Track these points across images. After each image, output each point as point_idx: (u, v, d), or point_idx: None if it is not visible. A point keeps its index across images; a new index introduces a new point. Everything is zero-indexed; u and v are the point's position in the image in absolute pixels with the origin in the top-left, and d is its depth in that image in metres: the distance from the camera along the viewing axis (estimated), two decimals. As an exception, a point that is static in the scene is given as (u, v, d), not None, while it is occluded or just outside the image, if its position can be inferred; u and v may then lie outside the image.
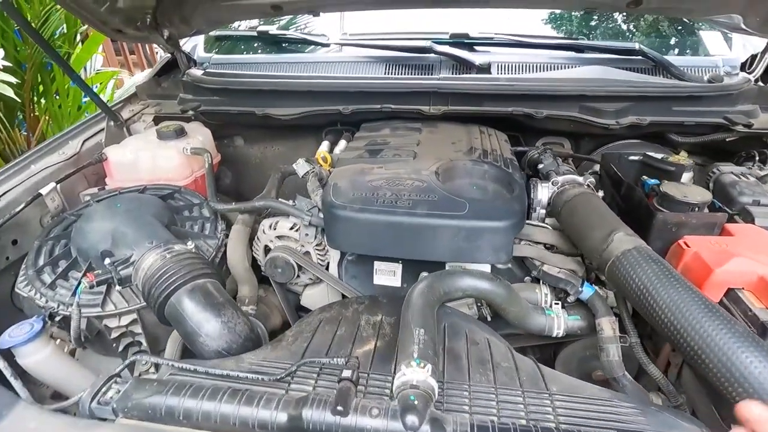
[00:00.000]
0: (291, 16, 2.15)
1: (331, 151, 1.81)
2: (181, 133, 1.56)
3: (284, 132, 1.94)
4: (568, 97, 1.49)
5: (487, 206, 1.09)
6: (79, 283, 1.02)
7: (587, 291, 1.05)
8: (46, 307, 1.05)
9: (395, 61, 1.74)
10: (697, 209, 1.06)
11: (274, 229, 1.29)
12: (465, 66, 1.66)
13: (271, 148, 2.04)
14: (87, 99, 3.16)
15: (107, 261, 1.04)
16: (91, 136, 1.60)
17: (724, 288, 0.91)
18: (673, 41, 1.87)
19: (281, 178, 1.49)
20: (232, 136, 2.03)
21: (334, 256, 1.29)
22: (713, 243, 0.97)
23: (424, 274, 1.23)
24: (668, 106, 1.47)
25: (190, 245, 1.09)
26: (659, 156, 1.30)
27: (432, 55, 1.70)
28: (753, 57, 1.58)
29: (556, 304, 1.09)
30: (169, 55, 1.93)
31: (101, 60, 3.93)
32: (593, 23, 2.04)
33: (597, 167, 1.62)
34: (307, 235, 1.24)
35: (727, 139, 1.47)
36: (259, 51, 2.02)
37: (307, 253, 1.30)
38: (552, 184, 1.27)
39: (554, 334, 1.06)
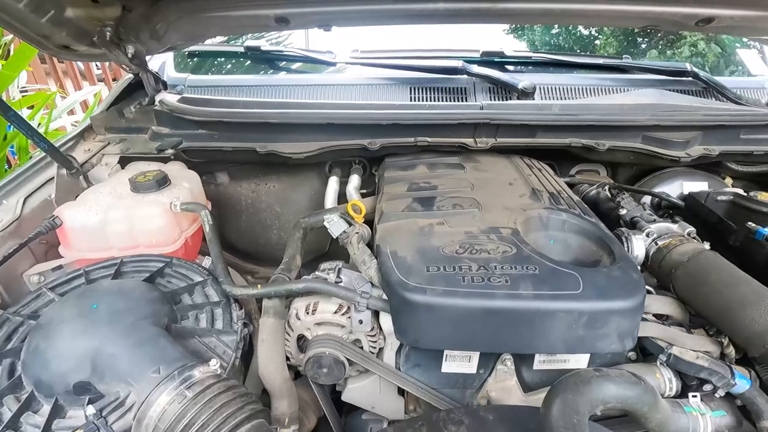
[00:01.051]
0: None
1: (341, 190, 1.52)
2: (163, 182, 1.19)
3: (281, 166, 1.62)
4: (631, 127, 1.30)
5: (604, 279, 0.86)
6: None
7: (742, 383, 0.84)
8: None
9: (420, 84, 1.48)
10: (840, 268, 0.89)
11: (313, 313, 0.97)
12: (505, 90, 1.43)
13: (263, 186, 1.70)
14: (11, 129, 2.54)
15: (89, 410, 0.68)
16: (35, 191, 1.19)
17: None
18: (711, 61, 1.77)
19: (304, 236, 1.17)
20: (214, 173, 1.67)
21: (390, 340, 1.00)
22: None
23: (507, 356, 0.98)
24: (736, 135, 1.33)
25: (214, 365, 0.76)
26: (751, 194, 1.14)
27: (464, 76, 1.45)
28: (799, 78, 1.50)
29: (694, 396, 0.88)
30: (131, 75, 1.54)
31: (25, 75, 3.30)
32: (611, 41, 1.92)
33: (647, 199, 1.46)
34: (361, 322, 0.94)
35: (793, 169, 1.36)
36: (250, 70, 1.67)
37: (357, 340, 1.00)
38: (647, 235, 1.07)
39: (698, 437, 0.85)
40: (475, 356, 0.97)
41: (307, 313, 0.97)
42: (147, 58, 1.46)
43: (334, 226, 1.09)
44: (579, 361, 0.96)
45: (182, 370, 0.71)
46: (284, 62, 1.64)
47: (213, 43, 1.75)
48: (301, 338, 1.03)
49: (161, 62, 1.65)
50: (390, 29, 1.62)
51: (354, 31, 1.84)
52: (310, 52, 1.58)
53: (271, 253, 1.75)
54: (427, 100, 1.44)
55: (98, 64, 5.56)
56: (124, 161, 1.39)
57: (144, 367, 0.72)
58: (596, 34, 2.31)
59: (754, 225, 1.03)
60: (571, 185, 1.47)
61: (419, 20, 1.36)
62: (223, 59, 1.74)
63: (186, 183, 1.27)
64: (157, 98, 1.45)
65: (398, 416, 1.09)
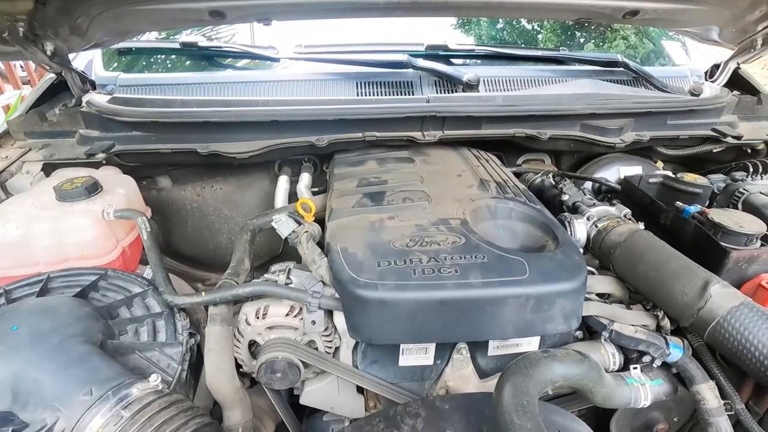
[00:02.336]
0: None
1: (291, 189, 1.49)
2: (94, 189, 1.11)
3: (227, 167, 1.55)
4: (570, 116, 1.35)
5: (549, 263, 0.88)
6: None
7: (676, 353, 0.89)
8: None
9: (367, 79, 1.47)
10: (755, 240, 0.97)
11: (264, 317, 0.94)
12: (450, 83, 1.44)
13: (210, 189, 1.62)
14: None
15: (12, 442, 0.62)
16: (-57, 204, 1.07)
17: (829, 335, 0.81)
18: (642, 54, 1.88)
19: (252, 239, 1.13)
20: (155, 177, 1.57)
21: (345, 339, 0.98)
22: (796, 281, 0.88)
23: (462, 345, 0.99)
24: (664, 121, 1.42)
25: (155, 380, 0.71)
26: (678, 176, 1.22)
27: (410, 70, 1.45)
28: (716, 66, 1.61)
29: (634, 368, 0.92)
30: (53, 75, 1.42)
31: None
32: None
33: (588, 185, 1.53)
34: (314, 322, 0.92)
35: (714, 150, 1.47)
36: (188, 67, 1.59)
37: (312, 341, 0.97)
38: (587, 219, 1.12)
39: (641, 406, 0.90)
40: (431, 348, 0.97)
41: (257, 318, 0.94)
42: (71, 56, 1.35)
43: (283, 226, 1.06)
44: (531, 344, 0.99)
45: (117, 389, 0.66)
46: (224, 59, 1.57)
47: (146, 40, 1.64)
48: (253, 344, 0.99)
49: (88, 60, 1.53)
50: (334, 23, 1.59)
51: (299, 25, 1.79)
52: (252, 48, 1.52)
53: (223, 259, 1.68)
54: (374, 95, 1.43)
55: (23, 65, 5.13)
56: (48, 168, 1.27)
57: (73, 389, 0.66)
58: (538, 29, 2.41)
59: (681, 204, 1.10)
60: (518, 174, 1.52)
61: (359, 14, 1.35)
62: (158, 56, 1.64)
63: (120, 189, 1.18)
64: (84, 99, 1.34)
65: (359, 415, 1.07)
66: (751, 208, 1.13)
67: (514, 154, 1.67)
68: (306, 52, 1.50)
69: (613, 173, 1.58)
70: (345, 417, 1.11)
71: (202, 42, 1.51)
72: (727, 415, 0.88)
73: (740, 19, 1.33)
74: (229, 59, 1.58)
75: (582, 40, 2.39)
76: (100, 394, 0.65)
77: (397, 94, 1.43)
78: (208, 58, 1.56)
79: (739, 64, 1.56)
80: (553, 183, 1.35)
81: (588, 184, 1.52)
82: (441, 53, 1.53)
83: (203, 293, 0.89)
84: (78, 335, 0.76)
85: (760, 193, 1.15)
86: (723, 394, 0.88)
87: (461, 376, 1.01)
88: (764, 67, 8.13)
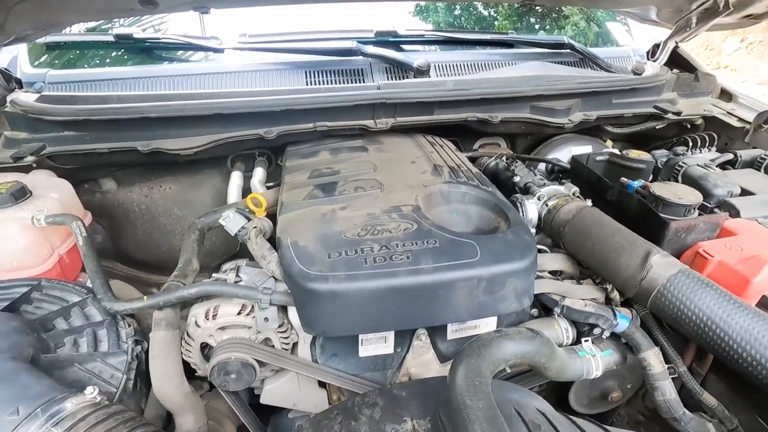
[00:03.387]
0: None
1: (245, 185, 1.44)
2: (21, 194, 1.03)
3: (175, 165, 1.48)
4: (519, 98, 1.37)
5: (500, 244, 0.89)
6: None
7: (623, 323, 0.93)
8: None
9: (316, 67, 1.43)
10: (693, 210, 1.01)
11: (214, 318, 0.90)
12: (401, 69, 1.43)
13: (158, 189, 1.55)
14: None
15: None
16: None
17: (759, 296, 0.86)
18: (591, 38, 1.92)
19: (200, 238, 1.09)
20: (97, 179, 1.49)
21: (302, 334, 0.96)
22: (729, 248, 0.92)
23: (421, 331, 1.00)
24: (609, 100, 1.46)
25: (91, 393, 0.67)
26: (623, 153, 1.26)
27: (360, 57, 1.43)
28: (656, 46, 1.67)
29: (586, 341, 0.95)
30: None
31: None
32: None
33: (542, 166, 1.57)
34: (267, 319, 0.89)
35: (657, 127, 1.53)
36: (125, 61, 1.50)
37: (267, 339, 0.95)
38: (538, 199, 1.14)
39: (593, 376, 0.92)
40: (390, 336, 0.97)
41: (207, 319, 0.90)
42: (-10, 52, 1.24)
43: (231, 222, 1.02)
44: (488, 325, 1.00)
45: (48, 405, 0.62)
46: (164, 51, 1.49)
47: (78, 33, 1.54)
48: (205, 347, 0.95)
49: (12, 56, 1.42)
50: (280, 10, 1.53)
51: (244, 14, 1.73)
52: (193, 39, 1.45)
53: (178, 261, 1.62)
54: (323, 84, 1.40)
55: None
56: (-29, 175, 1.17)
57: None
58: (495, 15, 2.44)
59: (626, 180, 1.14)
60: (473, 159, 1.53)
61: (300, -1, 1.31)
62: (92, 50, 1.54)
63: (54, 193, 1.11)
64: (9, 99, 1.24)
65: (323, 409, 1.06)
66: (689, 180, 1.18)
67: (470, 139, 1.67)
68: (251, 42, 1.44)
69: (565, 154, 1.62)
70: (310, 413, 1.09)
71: (138, 34, 1.42)
72: (673, 378, 0.93)
73: (677, -2, 1.38)
74: (170, 51, 1.50)
75: (537, 27, 2.44)
76: (27, 413, 0.61)
77: (348, 82, 1.40)
78: (147, 50, 1.47)
79: (677, 43, 1.62)
80: (506, 165, 1.36)
81: (541, 166, 1.55)
82: (391, 39, 1.51)
83: (145, 297, 0.85)
84: (4, 351, 0.71)
85: (698, 165, 1.20)
86: (667, 359, 0.92)
87: (422, 362, 1.02)
88: (707, 47, 8.56)
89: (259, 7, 1.41)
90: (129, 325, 0.89)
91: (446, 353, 1.02)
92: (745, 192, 1.14)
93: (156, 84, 1.37)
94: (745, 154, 1.31)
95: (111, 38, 1.44)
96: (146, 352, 0.89)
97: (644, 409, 1.21)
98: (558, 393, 1.17)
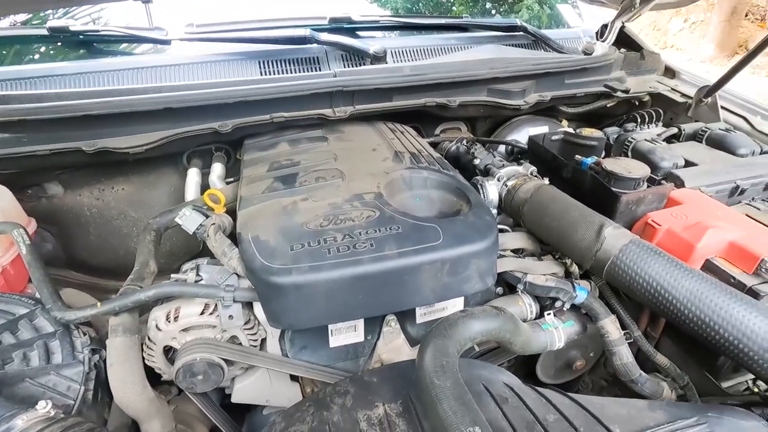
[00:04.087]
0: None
1: (203, 182, 1.39)
2: (-47, 203, 0.95)
3: (127, 165, 1.41)
4: (475, 81, 1.38)
5: (461, 226, 0.90)
6: None
7: (581, 294, 0.96)
8: None
9: (269, 57, 1.39)
10: (641, 183, 1.06)
11: (176, 320, 0.87)
12: (357, 56, 1.41)
13: (110, 191, 1.47)
14: None
15: None
16: None
17: (703, 260, 0.92)
18: (545, 22, 1.96)
19: (157, 239, 1.04)
20: (42, 184, 1.40)
21: (270, 329, 0.95)
22: (675, 216, 0.97)
23: (390, 316, 1.00)
24: (562, 80, 1.49)
25: (44, 407, 0.64)
26: (576, 131, 1.30)
27: (314, 45, 1.40)
28: (604, 26, 1.72)
29: (548, 314, 0.99)
30: None
31: None
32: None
33: (502, 148, 1.60)
34: (231, 317, 0.87)
35: (608, 105, 1.58)
36: (63, 56, 1.40)
37: (234, 337, 0.93)
38: (498, 180, 1.16)
39: (556, 348, 0.96)
40: (360, 324, 0.97)
41: (169, 321, 0.87)
42: None
43: (188, 221, 0.98)
44: (456, 306, 1.02)
45: (-4, 424, 0.58)
46: (104, 44, 1.40)
47: (7, 27, 1.42)
48: (169, 350, 0.92)
49: (-67, 55, 1.30)
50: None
51: (191, 3, 1.65)
52: (136, 30, 1.37)
53: None
54: (278, 73, 1.36)
55: None
56: None
57: (-63, 435, 0.57)
58: (452, 0, 2.45)
59: (580, 157, 1.17)
60: (435, 144, 1.54)
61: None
62: (25, 45, 1.43)
63: (-9, 201, 1.03)
64: (-68, 101, 1.14)
65: (298, 402, 1.06)
66: (638, 154, 1.23)
67: (431, 124, 1.68)
68: (199, 32, 1.38)
69: (523, 135, 1.65)
70: (285, 408, 1.08)
71: (74, 26, 1.33)
72: (629, 343, 0.98)
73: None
74: (112, 44, 1.41)
75: (493, 12, 2.47)
76: (-27, 434, 0.57)
77: (303, 71, 1.37)
78: (86, 44, 1.38)
79: (623, 23, 1.68)
80: (466, 149, 1.38)
81: (501, 148, 1.58)
82: (345, 26, 1.49)
83: (99, 304, 0.81)
84: (-58, 372, 0.66)
85: (645, 140, 1.25)
86: (623, 325, 0.97)
87: (393, 347, 1.02)
88: (654, 28, 8.93)
89: (205, -5, 1.34)
90: (84, 334, 0.85)
91: (416, 337, 1.04)
92: (688, 163, 1.20)
93: (98, 79, 1.29)
94: (688, 127, 1.38)
95: (44, 32, 1.34)
96: (105, 361, 0.85)
97: (607, 374, 1.27)
98: (527, 367, 1.21)
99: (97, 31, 1.36)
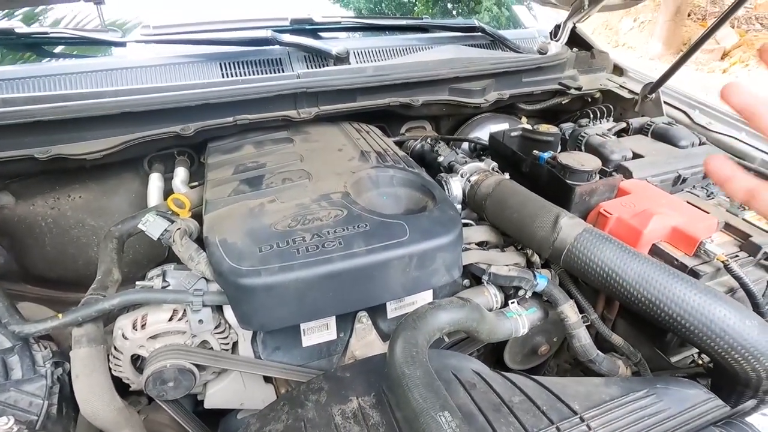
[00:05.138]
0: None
1: (166, 187, 1.37)
2: None
3: (83, 171, 1.36)
4: (437, 81, 1.42)
5: (427, 222, 0.93)
6: None
7: (542, 282, 1.02)
8: None
9: (231, 59, 1.38)
10: (594, 175, 1.13)
11: (143, 328, 0.86)
12: (320, 57, 1.42)
13: (66, 199, 1.41)
14: None
15: None
16: None
17: (650, 245, 0.99)
18: (504, 23, 2.02)
19: (119, 247, 1.02)
20: (-9, 194, 1.33)
21: (241, 332, 0.95)
22: (625, 205, 1.04)
23: (362, 313, 1.02)
24: (519, 79, 1.56)
25: (5, 424, 0.62)
26: (534, 128, 1.36)
27: (276, 47, 1.39)
28: (557, 26, 1.81)
29: (512, 302, 1.03)
30: None
31: None
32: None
33: (465, 145, 1.65)
34: (201, 321, 0.87)
35: (563, 102, 1.66)
36: (8, 60, 1.34)
37: (205, 342, 0.92)
38: (461, 176, 1.20)
39: (521, 334, 1.01)
40: (332, 322, 0.98)
41: (136, 330, 0.86)
42: None
43: (152, 226, 0.96)
44: (425, 299, 1.05)
45: (-47, 445, 0.56)
46: (55, 47, 1.35)
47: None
48: (137, 359, 0.91)
49: None
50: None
51: (145, 4, 1.61)
52: (88, 33, 1.33)
53: None
54: (240, 75, 1.35)
55: None
56: None
57: None
58: (414, 1, 2.49)
59: (537, 152, 1.23)
60: (400, 143, 1.57)
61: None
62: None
63: (-65, 213, 0.97)
64: None
65: (272, 404, 1.06)
66: (591, 148, 1.30)
67: (396, 123, 1.71)
68: (156, 34, 1.35)
69: (485, 132, 1.71)
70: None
71: (21, 28, 1.27)
72: (588, 326, 1.04)
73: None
74: (62, 47, 1.36)
75: (455, 12, 2.54)
76: (-72, 457, 0.55)
77: (266, 73, 1.37)
78: (34, 47, 1.32)
79: (574, 24, 1.77)
80: (431, 147, 1.41)
81: (465, 145, 1.63)
82: (307, 27, 1.49)
83: (60, 315, 0.78)
84: None
85: (597, 135, 1.33)
86: (581, 310, 1.03)
87: (366, 343, 1.04)
88: (606, 27, 9.35)
89: (161, -4, 1.31)
90: (45, 348, 0.82)
91: (388, 332, 1.06)
92: (636, 155, 1.28)
93: (50, 83, 1.24)
94: (635, 122, 1.47)
95: (-11, 34, 1.27)
96: (69, 374, 0.83)
97: (570, 358, 1.34)
98: (495, 354, 1.26)
99: (46, 33, 1.30)
